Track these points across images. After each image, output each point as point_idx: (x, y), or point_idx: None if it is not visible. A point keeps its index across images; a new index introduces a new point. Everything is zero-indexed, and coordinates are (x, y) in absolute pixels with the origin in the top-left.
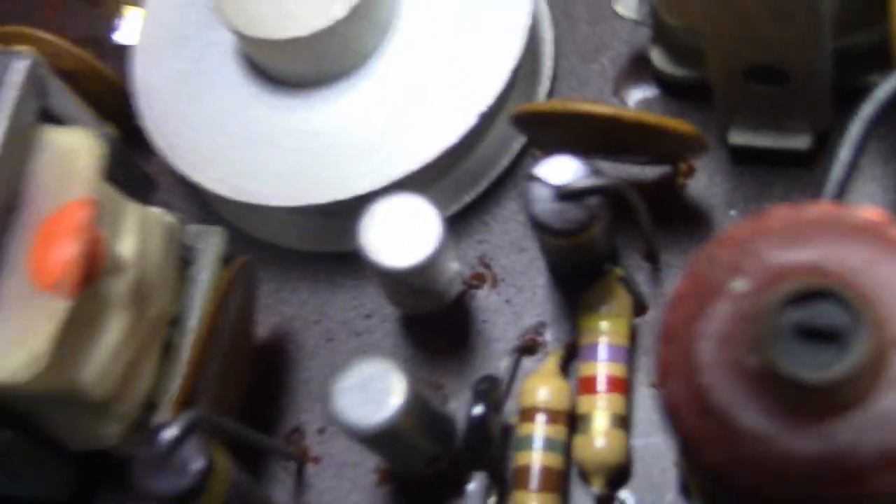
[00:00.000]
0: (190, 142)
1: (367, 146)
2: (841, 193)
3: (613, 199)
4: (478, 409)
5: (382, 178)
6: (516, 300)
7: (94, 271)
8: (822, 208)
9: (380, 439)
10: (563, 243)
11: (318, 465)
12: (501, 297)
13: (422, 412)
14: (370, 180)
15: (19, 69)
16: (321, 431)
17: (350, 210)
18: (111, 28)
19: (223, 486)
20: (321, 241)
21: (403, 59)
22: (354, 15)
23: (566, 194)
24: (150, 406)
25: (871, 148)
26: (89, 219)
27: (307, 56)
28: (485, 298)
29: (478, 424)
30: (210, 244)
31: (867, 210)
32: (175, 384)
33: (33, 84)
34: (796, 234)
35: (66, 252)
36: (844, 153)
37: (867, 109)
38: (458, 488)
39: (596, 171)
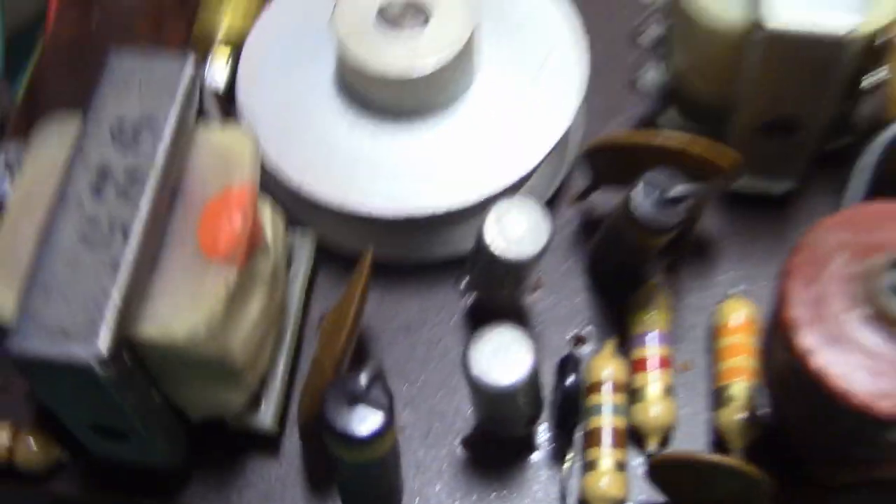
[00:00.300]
0: (296, 159)
1: (455, 171)
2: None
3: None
4: (571, 379)
5: (467, 198)
6: (565, 302)
7: (254, 246)
8: (890, 206)
9: (503, 398)
10: (647, 242)
11: (404, 435)
12: (552, 299)
13: (534, 377)
14: (457, 199)
15: (188, 72)
16: (404, 407)
17: (419, 226)
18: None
19: (393, 436)
20: (393, 251)
21: (485, 101)
22: (447, 66)
23: (673, 198)
24: (262, 381)
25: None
26: (252, 200)
27: (416, 92)
28: (539, 300)
29: (571, 392)
30: (305, 247)
31: None
32: (279, 365)
33: (195, 86)
34: (875, 223)
35: (235, 226)
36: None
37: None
38: (528, 452)
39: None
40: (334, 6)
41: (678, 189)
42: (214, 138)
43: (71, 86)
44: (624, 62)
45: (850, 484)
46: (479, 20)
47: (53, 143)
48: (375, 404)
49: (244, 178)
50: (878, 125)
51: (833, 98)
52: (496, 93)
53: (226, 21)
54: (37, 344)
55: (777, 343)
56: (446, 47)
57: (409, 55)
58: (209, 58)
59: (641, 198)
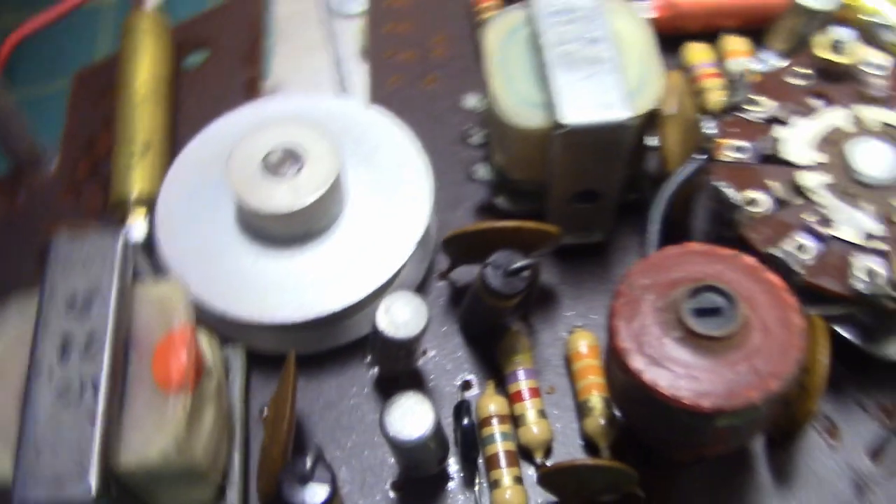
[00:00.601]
0: (217, 290)
1: (344, 275)
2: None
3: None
4: (466, 421)
5: (358, 295)
6: (449, 358)
7: (199, 371)
8: (684, 247)
9: (416, 448)
10: (502, 304)
11: (345, 491)
12: (439, 357)
13: (438, 427)
14: (350, 298)
15: (120, 244)
16: (340, 467)
17: (325, 323)
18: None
19: (339, 501)
20: (308, 346)
21: (358, 216)
22: (324, 197)
23: (514, 270)
24: (224, 474)
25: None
26: (191, 336)
27: (297, 223)
28: (429, 360)
29: (468, 430)
30: (237, 357)
31: (699, 244)
32: (235, 457)
33: (129, 254)
34: (671, 264)
35: (181, 361)
36: (653, 224)
37: (665, 191)
38: (445, 484)
39: (524, 259)
40: (227, 161)
41: (517, 263)
42: (151, 292)
43: (8, 261)
44: (461, 159)
45: (688, 462)
46: (343, 157)
47: (17, 320)
48: (321, 480)
49: (181, 319)
50: (661, 179)
51: (621, 168)
52: (365, 208)
53: (137, 185)
54: (36, 494)
55: (614, 366)
56: (320, 184)
57: (291, 194)
58: (128, 218)
59: (491, 275)
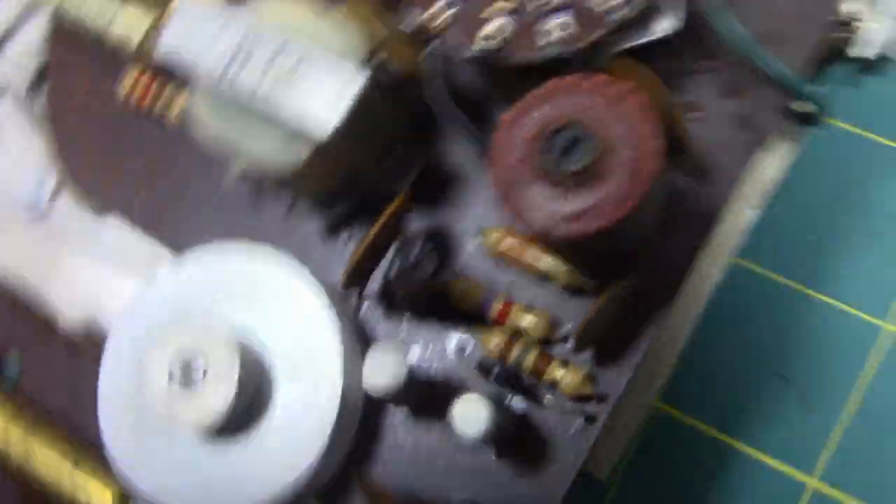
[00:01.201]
0: (155, 482)
1: (312, 414)
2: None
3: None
4: (497, 369)
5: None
6: (431, 343)
7: None
8: (504, 123)
9: (491, 429)
10: (435, 284)
11: None
12: (423, 352)
13: (491, 401)
14: (326, 427)
15: None
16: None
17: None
18: None
19: None
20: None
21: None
22: (244, 380)
23: (416, 263)
24: None
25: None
26: None
27: (239, 409)
28: (419, 361)
29: (501, 375)
30: None
31: (508, 114)
32: None
33: None
34: (511, 140)
35: None
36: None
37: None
38: (527, 419)
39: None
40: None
41: (413, 255)
42: None
43: None
44: (278, 209)
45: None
46: (231, 328)
47: None
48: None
49: None
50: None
51: (399, 109)
52: (281, 341)
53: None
54: None
55: (545, 242)
56: (232, 375)
57: (216, 396)
58: None
59: (409, 278)
